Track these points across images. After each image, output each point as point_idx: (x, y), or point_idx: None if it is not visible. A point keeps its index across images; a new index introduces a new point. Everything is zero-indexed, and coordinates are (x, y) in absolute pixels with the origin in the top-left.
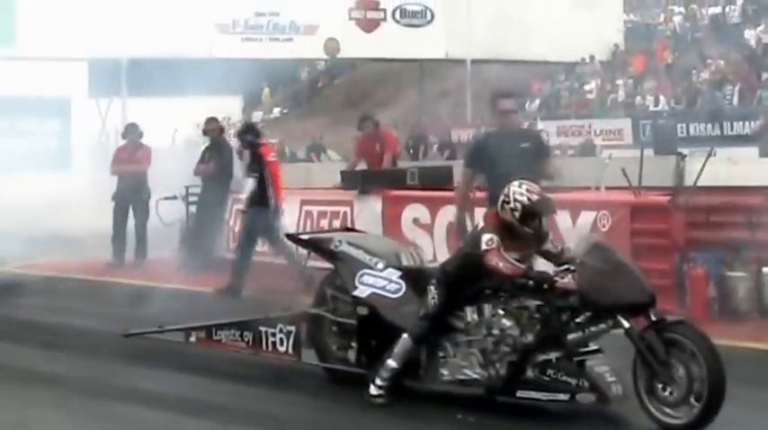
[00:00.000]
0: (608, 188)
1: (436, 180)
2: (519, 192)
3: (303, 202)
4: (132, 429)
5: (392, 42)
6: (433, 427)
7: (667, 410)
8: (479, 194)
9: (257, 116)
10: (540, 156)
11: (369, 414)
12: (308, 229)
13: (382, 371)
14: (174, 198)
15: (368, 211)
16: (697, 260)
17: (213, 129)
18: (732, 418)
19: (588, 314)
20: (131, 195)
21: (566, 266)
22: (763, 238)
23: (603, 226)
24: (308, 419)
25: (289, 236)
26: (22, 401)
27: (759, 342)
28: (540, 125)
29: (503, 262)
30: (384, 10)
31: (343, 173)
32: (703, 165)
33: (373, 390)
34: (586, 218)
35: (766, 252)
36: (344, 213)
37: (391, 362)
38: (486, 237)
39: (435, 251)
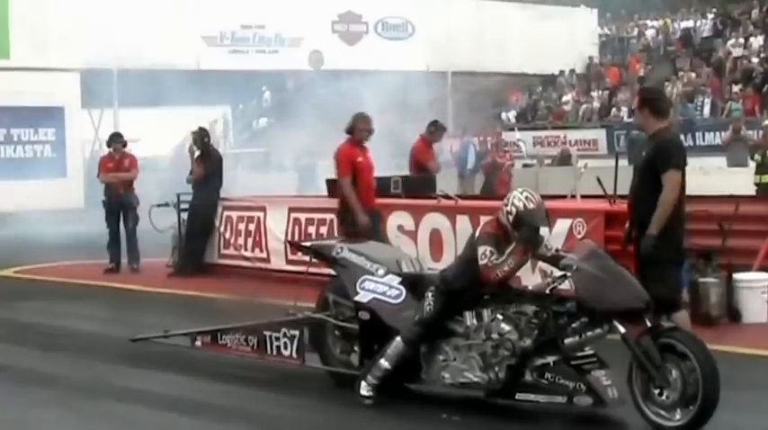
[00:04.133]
0: (583, 196)
1: (419, 188)
2: (518, 197)
3: (291, 210)
4: (132, 428)
5: (374, 55)
6: (434, 427)
7: (663, 413)
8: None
9: (244, 125)
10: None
11: (369, 416)
12: (296, 236)
13: (374, 370)
14: (167, 205)
15: None
16: None
17: (202, 137)
18: (717, 419)
19: (585, 319)
20: (121, 202)
21: (563, 273)
22: (733, 245)
23: (579, 233)
24: (312, 421)
25: (291, 243)
26: (23, 401)
27: (730, 345)
28: (518, 135)
29: (500, 272)
30: (366, 23)
31: (328, 181)
32: None
33: (363, 390)
34: (562, 225)
35: (737, 258)
36: (331, 220)
37: (384, 363)
38: (480, 250)
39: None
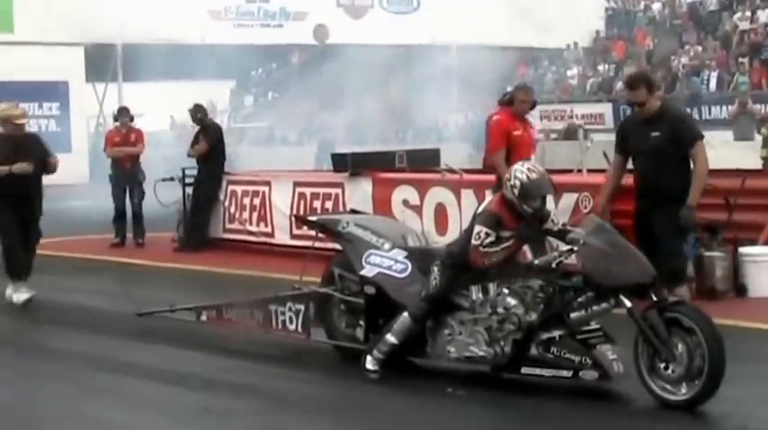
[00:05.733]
0: (590, 170)
1: (424, 162)
2: (520, 170)
3: (296, 184)
4: (139, 403)
5: (379, 29)
6: (439, 402)
7: (668, 387)
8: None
9: (249, 100)
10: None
11: (374, 390)
12: (301, 211)
13: (381, 345)
14: (172, 180)
15: (359, 193)
16: None
17: (197, 114)
18: (722, 393)
19: (591, 294)
20: (127, 177)
21: (569, 247)
22: (739, 220)
23: (585, 207)
24: (317, 396)
25: (297, 217)
26: (30, 376)
27: (736, 319)
28: None
29: (488, 261)
30: None
31: (333, 156)
32: None
33: (370, 365)
34: (569, 200)
35: (743, 233)
36: (336, 195)
37: (390, 338)
38: (476, 229)
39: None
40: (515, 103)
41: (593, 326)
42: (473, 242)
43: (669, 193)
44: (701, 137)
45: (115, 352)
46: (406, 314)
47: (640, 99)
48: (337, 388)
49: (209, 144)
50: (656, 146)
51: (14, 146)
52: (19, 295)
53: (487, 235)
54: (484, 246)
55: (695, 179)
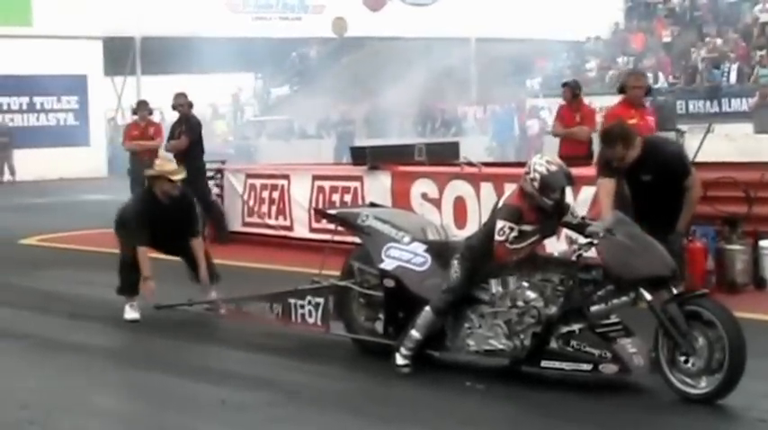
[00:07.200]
0: None
1: (443, 155)
2: (539, 163)
3: (315, 178)
4: (156, 396)
5: (398, 21)
6: (459, 395)
7: (688, 381)
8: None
9: (268, 93)
10: None
11: (393, 383)
12: (320, 204)
13: (407, 341)
14: None
15: (378, 187)
16: (696, 233)
17: (182, 104)
18: (743, 387)
19: (611, 287)
20: (145, 171)
21: (589, 240)
22: (759, 212)
23: None
24: (337, 389)
25: (317, 210)
26: (48, 369)
27: (756, 313)
28: (543, 102)
29: (516, 256)
30: None
31: (352, 149)
32: (702, 142)
33: (399, 361)
34: (588, 193)
35: (763, 226)
36: (355, 188)
37: (415, 333)
38: (499, 224)
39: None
40: (627, 90)
41: (613, 319)
42: (497, 238)
43: (671, 219)
44: (691, 170)
45: (133, 345)
46: (428, 308)
47: (618, 155)
48: (356, 381)
49: (190, 139)
50: (648, 188)
51: (173, 211)
52: (130, 313)
53: (511, 229)
54: (510, 242)
55: (686, 206)
